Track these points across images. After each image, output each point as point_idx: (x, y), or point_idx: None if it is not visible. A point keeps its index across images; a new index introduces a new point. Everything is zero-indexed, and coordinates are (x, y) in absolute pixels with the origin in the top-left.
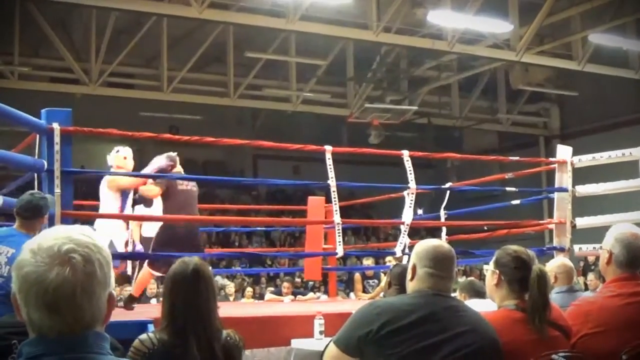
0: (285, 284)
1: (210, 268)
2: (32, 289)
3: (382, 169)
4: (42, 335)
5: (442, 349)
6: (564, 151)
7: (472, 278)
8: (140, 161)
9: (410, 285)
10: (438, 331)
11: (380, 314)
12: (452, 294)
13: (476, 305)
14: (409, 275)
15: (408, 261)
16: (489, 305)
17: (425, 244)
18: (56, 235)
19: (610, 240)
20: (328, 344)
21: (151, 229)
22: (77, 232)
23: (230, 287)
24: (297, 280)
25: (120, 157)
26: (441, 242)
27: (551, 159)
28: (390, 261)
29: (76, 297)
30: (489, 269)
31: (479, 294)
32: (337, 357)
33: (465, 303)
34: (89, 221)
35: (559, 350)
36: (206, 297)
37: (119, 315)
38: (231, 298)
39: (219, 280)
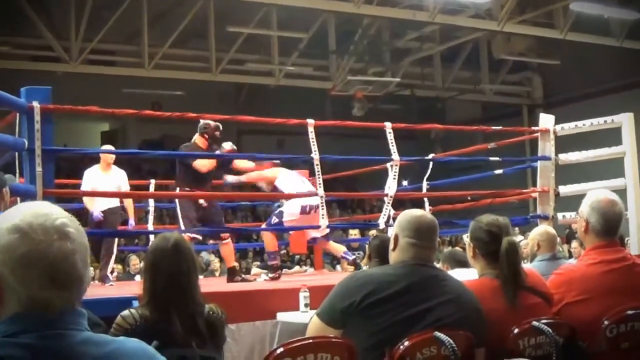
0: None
1: (191, 243)
2: (34, 266)
3: (366, 141)
4: (17, 313)
5: (425, 318)
6: (546, 120)
7: (456, 248)
8: (124, 137)
9: (393, 255)
10: (420, 301)
11: (362, 286)
12: (435, 265)
13: (459, 274)
14: (391, 245)
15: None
16: (471, 274)
17: (408, 214)
18: (37, 212)
19: (586, 209)
20: (312, 316)
21: None
22: (52, 207)
23: (216, 262)
24: (283, 252)
25: None
26: (424, 212)
27: (534, 128)
28: (373, 234)
29: (79, 269)
30: (467, 241)
31: (461, 263)
32: (320, 330)
33: (450, 272)
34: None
35: (540, 317)
36: (187, 271)
37: (103, 292)
38: (217, 273)
39: (205, 256)
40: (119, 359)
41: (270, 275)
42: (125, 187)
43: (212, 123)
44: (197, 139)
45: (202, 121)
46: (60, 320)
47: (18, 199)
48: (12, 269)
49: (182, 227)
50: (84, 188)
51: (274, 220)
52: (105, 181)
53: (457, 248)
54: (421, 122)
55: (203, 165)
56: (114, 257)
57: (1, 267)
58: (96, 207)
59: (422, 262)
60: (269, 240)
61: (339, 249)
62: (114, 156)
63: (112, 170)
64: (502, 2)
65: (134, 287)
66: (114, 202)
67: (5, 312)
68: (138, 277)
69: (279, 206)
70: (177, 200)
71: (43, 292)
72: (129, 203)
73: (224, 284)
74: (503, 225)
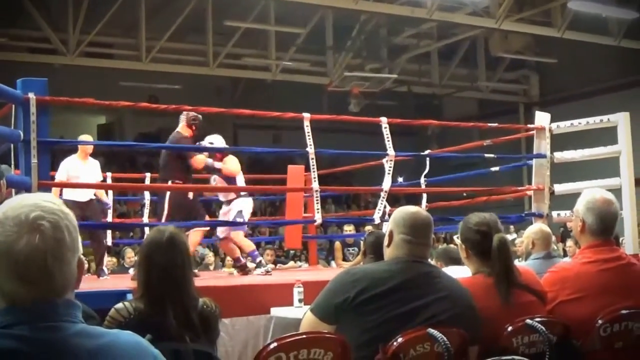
0: (268, 251)
1: (185, 236)
2: (2, 259)
3: (363, 137)
4: (12, 305)
5: (419, 315)
6: (542, 118)
7: (450, 245)
8: (121, 130)
9: (387, 252)
10: (415, 298)
11: (356, 282)
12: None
13: (453, 272)
14: (385, 242)
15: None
16: (465, 271)
17: (403, 211)
18: (22, 204)
19: (582, 209)
20: (306, 312)
21: None
22: (43, 199)
23: (210, 256)
24: (277, 248)
25: None
26: (418, 209)
27: (530, 126)
28: (369, 229)
29: (47, 265)
30: (458, 242)
31: (455, 260)
32: (314, 325)
33: (444, 269)
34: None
35: (534, 315)
36: (181, 265)
37: (97, 285)
38: (211, 267)
39: (199, 249)
40: (113, 352)
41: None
42: (99, 177)
43: (199, 116)
44: (182, 128)
45: (191, 112)
46: (54, 312)
47: (13, 190)
48: None
49: (163, 220)
50: (60, 178)
51: (239, 221)
52: (85, 171)
53: (452, 245)
54: (418, 119)
55: (201, 161)
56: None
57: None
58: (78, 197)
59: (417, 258)
60: (245, 242)
61: (246, 247)
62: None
63: (89, 160)
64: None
65: (128, 280)
66: (92, 193)
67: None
68: (132, 270)
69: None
70: (168, 193)
71: (7, 284)
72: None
73: (217, 278)
74: (492, 223)
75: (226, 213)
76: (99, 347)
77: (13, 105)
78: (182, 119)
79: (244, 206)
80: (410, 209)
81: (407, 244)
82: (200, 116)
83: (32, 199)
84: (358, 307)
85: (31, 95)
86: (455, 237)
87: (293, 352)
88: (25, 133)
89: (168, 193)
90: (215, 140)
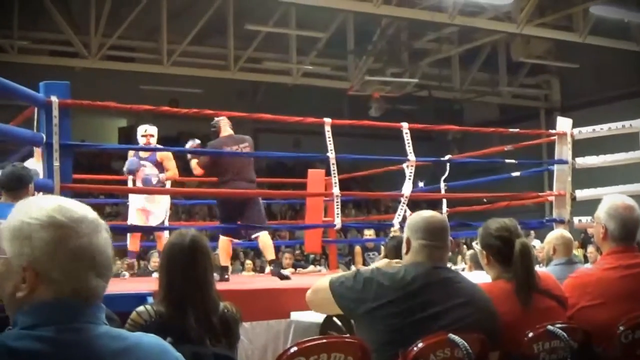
0: (287, 255)
1: (207, 240)
2: (85, 258)
3: (383, 142)
4: (36, 305)
5: (439, 320)
6: (564, 123)
7: None
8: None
9: (406, 259)
10: (435, 302)
11: (377, 284)
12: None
13: (480, 277)
14: (404, 249)
15: None
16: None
17: (417, 216)
18: (70, 206)
19: (603, 216)
20: (325, 280)
21: None
22: (70, 201)
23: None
24: (297, 252)
25: None
26: (433, 213)
27: (551, 131)
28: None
29: (111, 260)
30: (477, 248)
31: None
32: (325, 295)
33: (470, 274)
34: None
35: (555, 321)
36: (203, 268)
37: (117, 287)
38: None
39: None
40: (136, 354)
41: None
42: None
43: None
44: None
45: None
46: (79, 313)
47: (36, 193)
48: (59, 262)
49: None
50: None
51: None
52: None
53: None
54: (438, 124)
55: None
56: None
57: (44, 260)
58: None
59: (437, 264)
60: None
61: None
62: None
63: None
64: (521, 4)
65: (149, 283)
66: None
67: (31, 302)
68: (156, 274)
69: None
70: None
71: (90, 283)
72: None
73: (239, 281)
74: (512, 228)
75: None
76: (122, 350)
77: (36, 108)
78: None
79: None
80: (425, 213)
81: (425, 249)
82: (216, 120)
83: (67, 202)
84: (377, 310)
85: (54, 99)
86: (474, 244)
87: (313, 356)
88: (47, 136)
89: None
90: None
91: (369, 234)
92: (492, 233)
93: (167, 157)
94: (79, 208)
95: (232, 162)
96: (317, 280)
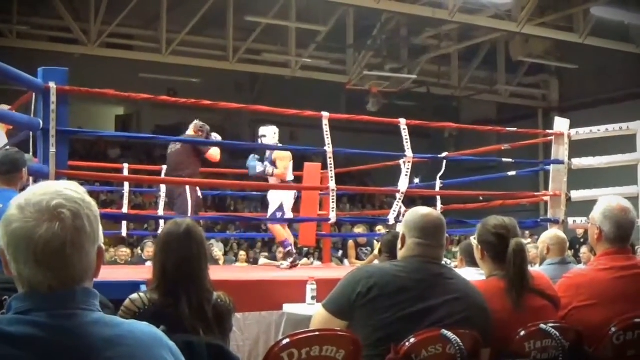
0: (280, 249)
1: (202, 230)
2: (21, 244)
3: (380, 137)
4: (31, 291)
5: (431, 315)
6: (561, 123)
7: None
8: (138, 122)
9: (400, 254)
10: (427, 298)
11: (369, 279)
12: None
13: (470, 274)
14: (399, 245)
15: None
16: (481, 275)
17: (414, 213)
18: (44, 191)
19: (599, 217)
20: (318, 308)
21: None
22: (65, 188)
23: (217, 250)
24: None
25: None
26: (430, 211)
27: (548, 131)
28: (380, 230)
29: (66, 252)
30: (474, 242)
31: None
32: (325, 320)
33: (461, 270)
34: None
35: (548, 320)
36: (197, 257)
37: (111, 275)
38: (220, 262)
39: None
40: (129, 341)
41: (290, 262)
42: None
43: (206, 125)
44: (192, 135)
45: (199, 122)
46: (72, 299)
47: (31, 178)
48: (7, 242)
49: (189, 214)
50: None
51: (279, 214)
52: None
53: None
54: (435, 121)
55: (218, 154)
56: None
57: (2, 239)
58: None
59: (430, 259)
60: (279, 231)
61: (277, 237)
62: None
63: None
64: (522, 3)
65: (144, 271)
66: None
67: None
68: (149, 263)
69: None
70: (187, 187)
71: (26, 269)
72: None
73: (232, 271)
74: (511, 227)
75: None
76: (115, 336)
77: (33, 94)
78: (191, 127)
79: (284, 198)
80: (422, 210)
81: (419, 247)
82: (207, 126)
83: (55, 187)
84: (370, 304)
85: (52, 85)
86: (472, 238)
87: (305, 349)
88: (44, 122)
89: (188, 189)
90: (267, 133)
91: (359, 230)
92: (489, 229)
93: (280, 157)
94: (45, 194)
95: None
96: (314, 314)
